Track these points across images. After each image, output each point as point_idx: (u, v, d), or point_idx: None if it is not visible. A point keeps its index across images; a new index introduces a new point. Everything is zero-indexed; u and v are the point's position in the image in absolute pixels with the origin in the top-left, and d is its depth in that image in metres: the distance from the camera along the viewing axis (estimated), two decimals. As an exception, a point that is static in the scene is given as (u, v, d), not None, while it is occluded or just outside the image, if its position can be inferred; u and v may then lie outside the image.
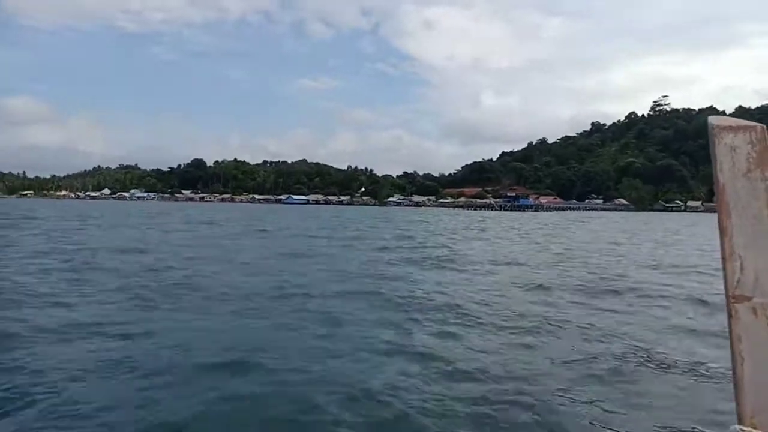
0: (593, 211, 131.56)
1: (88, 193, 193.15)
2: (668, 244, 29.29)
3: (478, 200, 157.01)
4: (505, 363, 6.54)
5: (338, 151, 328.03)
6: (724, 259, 0.97)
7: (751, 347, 0.93)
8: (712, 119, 1.02)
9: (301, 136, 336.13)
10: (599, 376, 6.10)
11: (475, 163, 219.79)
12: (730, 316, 0.95)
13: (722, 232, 0.97)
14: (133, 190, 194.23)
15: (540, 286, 12.42)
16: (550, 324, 8.64)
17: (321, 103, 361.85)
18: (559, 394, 5.51)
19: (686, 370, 6.39)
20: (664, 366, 6.57)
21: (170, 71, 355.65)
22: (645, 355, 6.97)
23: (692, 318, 9.45)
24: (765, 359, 0.93)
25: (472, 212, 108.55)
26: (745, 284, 0.95)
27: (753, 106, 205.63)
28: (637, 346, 7.36)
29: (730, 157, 0.96)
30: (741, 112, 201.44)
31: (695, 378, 6.09)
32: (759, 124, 0.97)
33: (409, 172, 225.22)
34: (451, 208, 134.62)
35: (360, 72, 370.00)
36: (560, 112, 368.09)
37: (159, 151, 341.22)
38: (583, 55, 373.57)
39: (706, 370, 6.32)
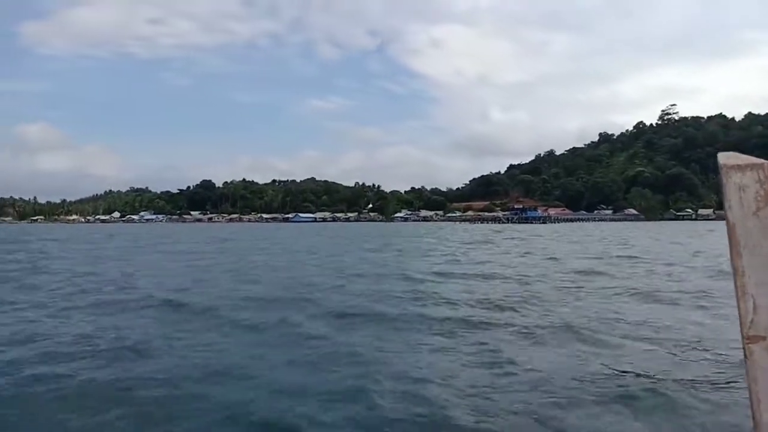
0: (602, 222, 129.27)
1: (97, 216, 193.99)
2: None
3: (486, 213, 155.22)
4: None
5: (347, 169, 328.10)
6: (737, 298, 0.95)
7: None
8: (721, 157, 1.00)
9: (310, 155, 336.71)
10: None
11: (482, 176, 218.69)
12: (745, 357, 0.93)
13: (734, 271, 0.95)
14: (142, 213, 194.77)
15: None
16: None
17: (330, 123, 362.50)
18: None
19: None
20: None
21: (181, 95, 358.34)
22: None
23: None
24: None
25: (479, 226, 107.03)
26: (758, 324, 0.93)
27: (762, 112, 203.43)
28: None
29: (739, 196, 0.95)
30: (750, 118, 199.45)
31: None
32: (766, 162, 0.97)
33: (416, 187, 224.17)
34: (458, 222, 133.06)
35: (368, 91, 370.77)
36: (568, 124, 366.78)
37: (170, 174, 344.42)
38: (590, 68, 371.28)
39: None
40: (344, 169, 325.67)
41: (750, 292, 0.93)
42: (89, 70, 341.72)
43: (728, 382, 5.93)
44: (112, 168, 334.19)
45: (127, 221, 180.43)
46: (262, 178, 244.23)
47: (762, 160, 0.98)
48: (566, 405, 5.34)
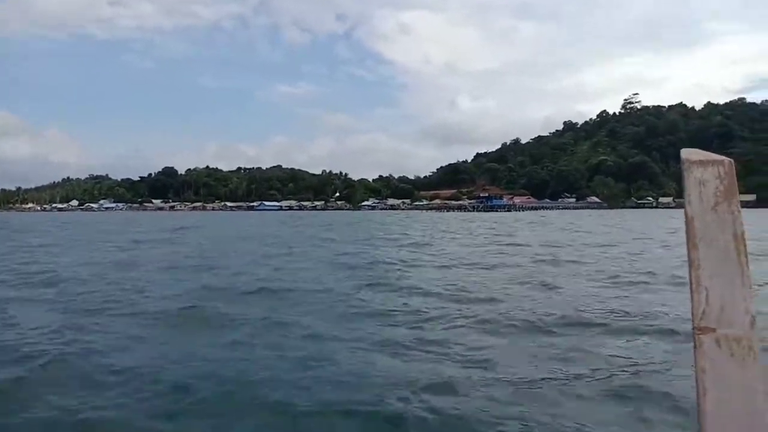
0: (566, 210, 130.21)
1: (54, 205, 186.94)
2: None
3: (452, 202, 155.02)
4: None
5: (316, 157, 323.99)
6: (691, 290, 0.97)
7: (714, 379, 0.94)
8: (684, 152, 1.02)
9: (278, 142, 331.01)
10: None
11: (450, 165, 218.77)
12: (695, 347, 0.96)
13: (690, 263, 0.98)
14: (101, 201, 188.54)
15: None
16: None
17: (298, 109, 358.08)
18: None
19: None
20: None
21: (144, 79, 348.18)
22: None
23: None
24: (728, 391, 0.93)
25: (444, 214, 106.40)
26: (710, 316, 0.95)
27: (721, 102, 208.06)
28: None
29: (699, 190, 0.97)
30: (709, 107, 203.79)
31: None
32: (727, 159, 0.98)
33: (384, 175, 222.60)
34: (424, 211, 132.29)
35: (337, 77, 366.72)
36: (535, 113, 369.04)
37: (132, 161, 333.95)
38: (556, 57, 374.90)
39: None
40: (313, 156, 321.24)
41: (704, 284, 0.96)
42: (47, 53, 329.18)
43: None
44: (72, 155, 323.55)
45: (86, 209, 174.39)
46: (228, 166, 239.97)
47: (723, 157, 0.99)
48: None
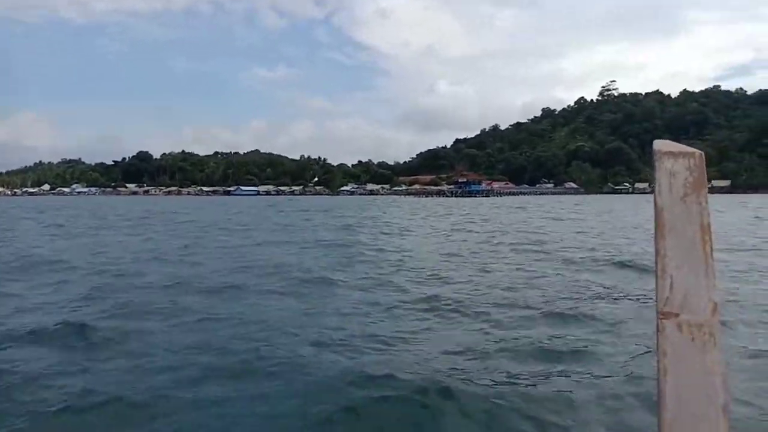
0: (543, 196, 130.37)
1: (25, 189, 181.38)
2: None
3: (432, 187, 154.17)
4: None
5: (295, 141, 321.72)
6: (656, 277, 0.99)
7: (675, 361, 0.96)
8: (657, 144, 1.04)
9: (256, 126, 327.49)
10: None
11: (429, 150, 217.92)
12: (657, 331, 0.98)
13: (657, 252, 1.00)
14: (74, 185, 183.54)
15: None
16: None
17: (277, 93, 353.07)
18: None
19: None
20: None
21: (119, 63, 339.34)
22: None
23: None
24: (687, 374, 0.96)
25: (422, 199, 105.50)
26: (673, 302, 0.97)
27: (696, 90, 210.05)
28: None
29: (669, 181, 0.99)
30: (685, 95, 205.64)
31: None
32: (698, 151, 1.00)
33: (364, 160, 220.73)
34: (403, 196, 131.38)
35: (316, 61, 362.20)
36: (514, 99, 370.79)
37: (106, 146, 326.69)
38: (535, 44, 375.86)
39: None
40: (292, 141, 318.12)
41: (669, 272, 0.98)
42: (20, 36, 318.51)
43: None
44: (45, 139, 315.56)
45: (58, 194, 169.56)
46: (206, 150, 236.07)
47: (694, 150, 1.01)
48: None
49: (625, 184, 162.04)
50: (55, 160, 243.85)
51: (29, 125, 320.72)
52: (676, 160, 0.99)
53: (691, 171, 0.98)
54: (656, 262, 1.00)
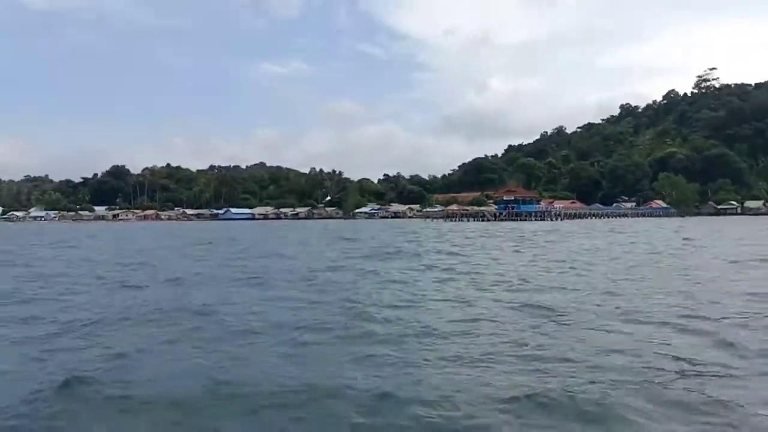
0: (623, 218, 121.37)
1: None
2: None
3: (472, 208, 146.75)
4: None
5: (310, 153, 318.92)
6: None
7: None
8: None
9: (263, 135, 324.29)
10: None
11: (474, 160, 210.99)
12: None
13: None
14: (32, 209, 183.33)
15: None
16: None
17: (289, 94, 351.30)
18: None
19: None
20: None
21: (92, 58, 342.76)
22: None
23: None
24: None
25: (455, 224, 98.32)
26: None
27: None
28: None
29: None
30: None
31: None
32: None
33: (391, 175, 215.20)
34: (433, 220, 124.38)
35: (338, 54, 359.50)
36: (585, 95, 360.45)
37: (81, 160, 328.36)
38: (614, 24, 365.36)
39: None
40: (307, 152, 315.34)
41: None
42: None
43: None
44: (7, 154, 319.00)
45: (9, 219, 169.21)
46: (201, 164, 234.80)
47: None
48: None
49: (732, 202, 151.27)
50: (17, 177, 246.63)
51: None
52: None
53: None
54: None
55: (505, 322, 11.11)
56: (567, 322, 11.07)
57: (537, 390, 6.96)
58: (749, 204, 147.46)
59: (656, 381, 7.46)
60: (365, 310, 12.40)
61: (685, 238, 40.78)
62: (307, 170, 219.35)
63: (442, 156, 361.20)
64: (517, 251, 31.63)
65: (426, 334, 10.19)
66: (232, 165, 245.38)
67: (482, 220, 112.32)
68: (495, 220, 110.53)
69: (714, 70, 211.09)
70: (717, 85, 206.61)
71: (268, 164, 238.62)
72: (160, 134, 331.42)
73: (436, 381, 7.57)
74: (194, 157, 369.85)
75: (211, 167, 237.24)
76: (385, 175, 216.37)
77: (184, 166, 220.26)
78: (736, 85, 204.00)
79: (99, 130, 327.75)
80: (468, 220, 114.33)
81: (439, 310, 12.72)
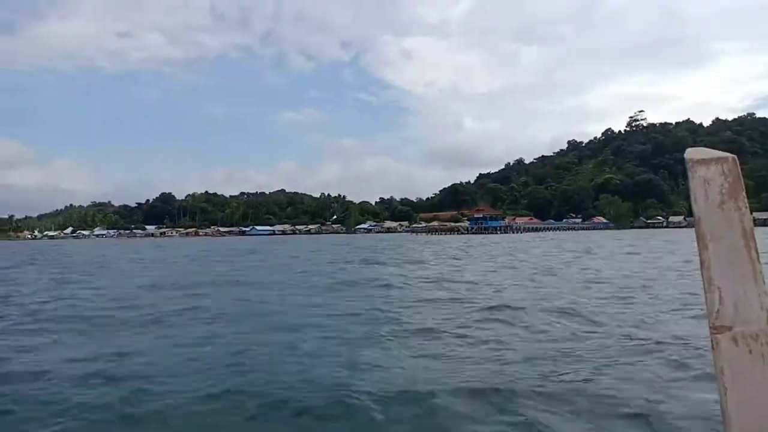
0: (571, 231, 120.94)
1: (46, 233, 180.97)
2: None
3: (450, 224, 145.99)
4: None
5: (321, 181, 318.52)
6: (704, 290, 0.95)
7: (734, 377, 0.91)
8: (688, 152, 1.00)
9: (284, 167, 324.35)
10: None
11: (452, 185, 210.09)
12: (712, 347, 0.93)
13: (701, 263, 0.95)
14: (96, 229, 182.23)
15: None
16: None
17: (304, 135, 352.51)
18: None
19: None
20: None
21: (152, 109, 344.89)
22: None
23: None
24: (748, 389, 0.90)
25: (435, 237, 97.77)
26: (724, 314, 0.93)
27: (730, 118, 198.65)
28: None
29: (704, 189, 0.94)
30: (718, 123, 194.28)
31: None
32: (731, 156, 0.96)
33: (386, 198, 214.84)
34: (418, 234, 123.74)
35: (342, 102, 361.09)
36: (540, 134, 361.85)
37: (137, 188, 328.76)
38: (560, 78, 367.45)
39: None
40: (319, 181, 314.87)
41: (716, 283, 0.94)
42: (58, 85, 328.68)
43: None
44: (79, 183, 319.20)
45: (77, 237, 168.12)
46: (232, 191, 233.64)
47: (727, 154, 0.98)
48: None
49: (659, 217, 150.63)
50: (86, 203, 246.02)
51: (66, 170, 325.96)
52: (708, 167, 0.96)
53: (726, 176, 0.95)
54: (702, 275, 0.96)
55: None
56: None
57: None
58: (673, 219, 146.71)
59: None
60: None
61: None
62: (318, 195, 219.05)
63: (426, 182, 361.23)
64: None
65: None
66: (258, 191, 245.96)
67: (458, 233, 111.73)
68: (468, 233, 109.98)
69: (642, 112, 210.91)
70: (645, 124, 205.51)
71: (287, 190, 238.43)
72: (201, 168, 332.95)
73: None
74: (229, 185, 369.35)
75: (242, 193, 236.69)
76: (380, 197, 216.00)
77: (219, 192, 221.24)
78: (660, 124, 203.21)
79: (153, 165, 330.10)
80: (444, 234, 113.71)
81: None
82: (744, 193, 0.96)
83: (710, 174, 0.95)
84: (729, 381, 0.90)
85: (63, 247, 74.95)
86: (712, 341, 0.93)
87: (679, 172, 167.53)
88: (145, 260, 35.88)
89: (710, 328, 0.93)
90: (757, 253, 0.93)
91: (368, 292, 14.36)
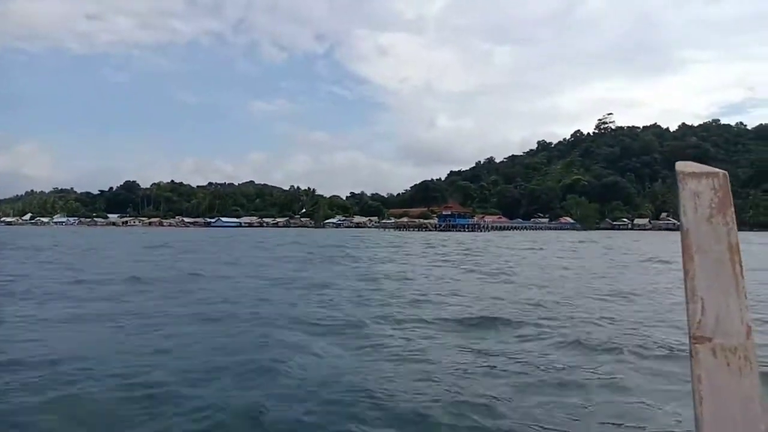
0: (538, 231, 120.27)
1: (3, 218, 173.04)
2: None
3: (418, 220, 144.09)
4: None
5: (291, 174, 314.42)
6: (687, 300, 0.97)
7: (710, 388, 0.92)
8: (679, 165, 1.01)
9: (254, 159, 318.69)
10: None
11: (422, 182, 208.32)
12: (691, 356, 0.94)
13: (685, 274, 0.97)
14: (56, 216, 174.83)
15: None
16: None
17: (277, 126, 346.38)
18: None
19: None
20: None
21: (119, 94, 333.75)
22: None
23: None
24: (724, 399, 0.92)
25: (404, 233, 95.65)
26: (705, 325, 0.94)
27: (696, 124, 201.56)
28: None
29: (694, 202, 0.95)
30: (684, 128, 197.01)
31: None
32: (722, 171, 0.99)
33: (356, 192, 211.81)
34: (386, 230, 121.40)
35: (315, 95, 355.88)
36: (511, 134, 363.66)
37: (102, 176, 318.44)
38: (532, 79, 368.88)
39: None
40: (289, 173, 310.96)
41: (699, 294, 0.95)
42: (24, 66, 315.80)
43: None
44: (42, 168, 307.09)
45: (36, 224, 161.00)
46: (201, 181, 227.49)
47: (718, 170, 0.99)
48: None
49: (624, 219, 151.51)
50: (48, 189, 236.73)
51: (29, 154, 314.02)
52: (699, 180, 0.97)
53: (716, 191, 0.96)
54: (685, 285, 0.97)
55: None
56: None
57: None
58: (638, 221, 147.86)
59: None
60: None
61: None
62: (287, 187, 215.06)
63: (398, 177, 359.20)
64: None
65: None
66: (227, 182, 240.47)
67: (425, 230, 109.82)
68: (435, 230, 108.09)
69: (611, 115, 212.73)
70: (613, 127, 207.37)
71: (256, 182, 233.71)
72: (169, 156, 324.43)
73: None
74: (197, 175, 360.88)
75: (210, 184, 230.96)
76: (351, 192, 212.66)
77: (186, 182, 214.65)
78: (627, 127, 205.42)
79: (119, 152, 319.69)
80: (412, 230, 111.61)
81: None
82: (732, 209, 0.98)
83: (701, 188, 0.96)
84: (705, 391, 0.92)
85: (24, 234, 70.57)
86: (691, 350, 0.94)
87: (645, 175, 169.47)
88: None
89: (690, 337, 0.95)
90: (741, 268, 0.95)
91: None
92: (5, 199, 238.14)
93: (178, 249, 36.49)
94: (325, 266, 22.75)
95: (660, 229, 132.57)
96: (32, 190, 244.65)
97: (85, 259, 26.74)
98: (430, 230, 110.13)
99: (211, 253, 33.29)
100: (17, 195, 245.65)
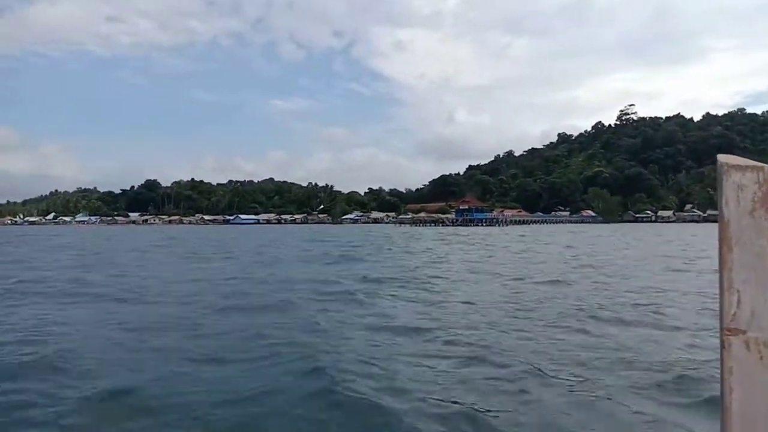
0: (560, 224, 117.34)
1: (27, 218, 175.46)
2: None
3: (436, 215, 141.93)
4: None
5: (311, 171, 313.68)
6: (721, 291, 0.94)
7: (741, 380, 0.91)
8: (721, 157, 0.99)
9: (274, 156, 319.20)
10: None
11: (440, 177, 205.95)
12: (722, 347, 0.93)
13: (722, 264, 0.94)
14: (79, 215, 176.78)
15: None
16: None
17: (295, 123, 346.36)
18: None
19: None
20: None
21: (140, 95, 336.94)
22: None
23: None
24: (753, 392, 0.91)
25: (420, 228, 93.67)
26: (740, 318, 0.93)
27: (720, 113, 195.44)
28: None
29: (737, 194, 0.93)
30: (708, 118, 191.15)
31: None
32: (767, 165, 1.11)
33: (374, 188, 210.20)
34: (402, 225, 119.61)
35: (334, 92, 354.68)
36: (531, 127, 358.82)
37: (125, 175, 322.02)
38: (551, 72, 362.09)
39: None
40: (308, 170, 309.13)
41: (736, 286, 0.94)
42: (46, 69, 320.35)
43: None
44: (67, 169, 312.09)
45: (58, 223, 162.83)
46: (221, 179, 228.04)
47: (763, 164, 0.97)
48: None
49: (647, 212, 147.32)
50: (72, 189, 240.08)
51: (53, 156, 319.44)
52: (744, 173, 0.95)
53: (760, 185, 0.95)
54: (720, 276, 0.95)
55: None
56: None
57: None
58: (661, 213, 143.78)
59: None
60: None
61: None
62: (306, 184, 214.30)
63: (416, 173, 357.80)
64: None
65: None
66: (246, 180, 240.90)
67: (441, 225, 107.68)
68: (452, 225, 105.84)
69: (632, 106, 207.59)
70: (635, 118, 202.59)
71: (276, 179, 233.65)
72: (190, 155, 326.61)
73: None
74: (217, 173, 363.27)
75: (230, 181, 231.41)
76: (369, 188, 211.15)
77: (207, 180, 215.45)
78: (650, 118, 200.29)
79: (141, 152, 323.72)
80: (429, 226, 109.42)
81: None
82: None
83: (745, 180, 0.94)
84: (736, 383, 0.91)
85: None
86: (722, 341, 0.93)
87: (668, 167, 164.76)
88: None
89: (723, 328, 0.93)
90: None
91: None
92: (31, 199, 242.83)
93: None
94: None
95: (684, 221, 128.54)
96: (56, 190, 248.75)
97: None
98: (446, 225, 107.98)
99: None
100: (42, 195, 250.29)
